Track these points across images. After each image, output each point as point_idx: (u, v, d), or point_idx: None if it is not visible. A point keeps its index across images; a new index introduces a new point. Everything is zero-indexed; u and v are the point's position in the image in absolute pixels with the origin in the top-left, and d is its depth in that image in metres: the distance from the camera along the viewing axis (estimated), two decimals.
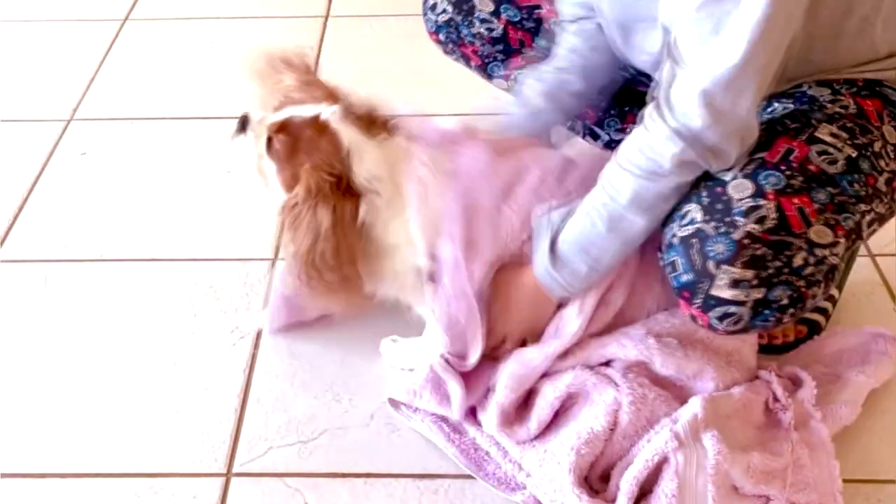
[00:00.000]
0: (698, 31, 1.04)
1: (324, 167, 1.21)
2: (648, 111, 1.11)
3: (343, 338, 1.46)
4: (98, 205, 1.76)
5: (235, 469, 1.28)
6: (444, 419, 1.29)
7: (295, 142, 1.24)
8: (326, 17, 2.34)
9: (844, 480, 1.20)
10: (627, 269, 1.25)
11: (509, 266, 1.26)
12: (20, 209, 1.75)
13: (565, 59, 1.38)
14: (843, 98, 1.16)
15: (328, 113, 1.24)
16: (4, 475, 1.28)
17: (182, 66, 2.17)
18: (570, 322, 1.25)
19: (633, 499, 1.14)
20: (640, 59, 1.26)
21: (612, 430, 1.19)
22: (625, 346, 1.24)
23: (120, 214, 1.73)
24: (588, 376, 1.23)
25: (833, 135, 1.12)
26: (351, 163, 1.22)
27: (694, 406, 1.18)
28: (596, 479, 1.20)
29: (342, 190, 1.21)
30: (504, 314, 1.27)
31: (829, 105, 1.15)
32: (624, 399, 1.19)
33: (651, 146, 1.10)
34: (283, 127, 1.25)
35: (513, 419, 1.25)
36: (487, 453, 1.25)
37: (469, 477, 1.25)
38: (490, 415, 1.25)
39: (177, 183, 1.81)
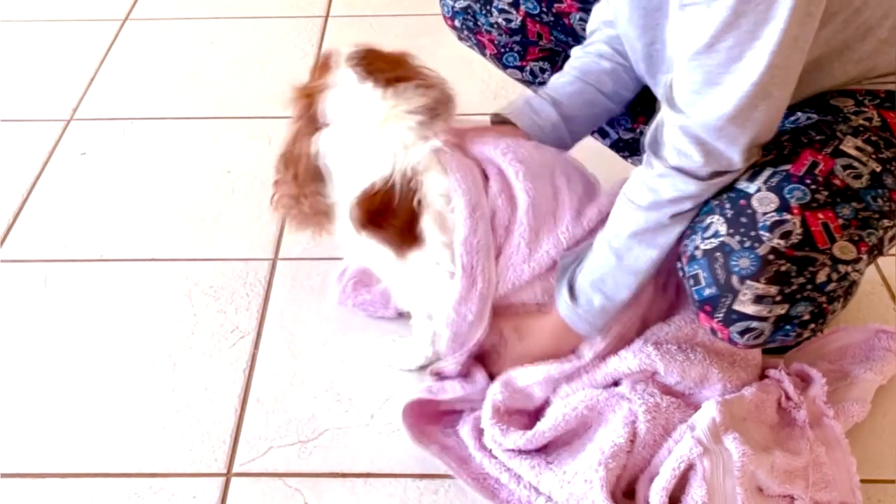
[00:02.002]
0: (691, 78, 1.04)
1: (307, 89, 1.26)
2: (646, 153, 1.12)
3: (343, 338, 1.46)
4: (98, 205, 1.76)
5: (235, 469, 1.28)
6: (448, 448, 1.26)
7: (318, 68, 1.29)
8: (326, 17, 2.34)
9: None
10: (641, 305, 1.27)
11: (532, 312, 1.28)
12: (20, 209, 1.75)
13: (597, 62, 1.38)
14: (866, 110, 1.15)
15: (341, 50, 1.27)
16: (4, 475, 1.28)
17: (182, 66, 2.17)
18: (582, 354, 1.27)
19: None
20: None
21: (632, 441, 1.18)
22: (625, 359, 1.23)
23: (120, 214, 1.73)
24: (599, 395, 1.23)
25: (858, 148, 1.12)
26: (324, 93, 1.24)
27: (710, 410, 1.17)
28: (620, 494, 1.18)
29: (312, 113, 1.25)
30: (527, 354, 1.29)
31: (853, 117, 1.15)
32: (638, 410, 1.19)
33: (651, 182, 1.11)
34: (326, 55, 1.30)
35: (507, 421, 1.24)
36: (498, 480, 1.22)
37: None
38: (484, 409, 1.25)
39: (177, 183, 1.81)
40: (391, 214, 1.22)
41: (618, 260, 1.17)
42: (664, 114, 1.10)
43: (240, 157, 1.86)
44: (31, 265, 1.63)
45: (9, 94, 2.08)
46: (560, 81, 1.38)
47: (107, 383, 1.41)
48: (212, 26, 2.32)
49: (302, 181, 1.26)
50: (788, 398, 1.25)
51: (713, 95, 1.03)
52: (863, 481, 1.21)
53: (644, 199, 1.13)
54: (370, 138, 1.21)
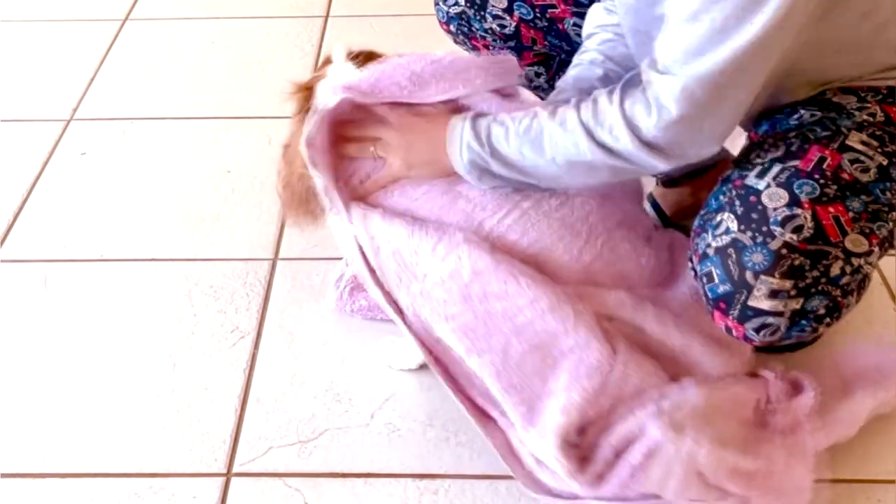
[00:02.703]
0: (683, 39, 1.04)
1: (304, 83, 1.28)
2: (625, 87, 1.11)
3: (343, 338, 1.46)
4: (98, 205, 1.76)
5: (235, 469, 1.28)
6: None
7: (320, 67, 1.32)
8: (326, 17, 2.34)
9: (844, 481, 1.20)
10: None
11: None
12: (20, 209, 1.75)
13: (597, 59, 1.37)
14: (869, 105, 1.16)
15: (341, 48, 1.29)
16: (4, 475, 1.28)
17: (182, 66, 2.17)
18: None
19: (609, 466, 1.14)
20: None
21: (599, 391, 1.17)
22: (624, 305, 1.22)
23: (120, 214, 1.73)
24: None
25: (864, 143, 1.12)
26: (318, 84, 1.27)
27: (684, 388, 1.17)
28: (574, 432, 1.17)
29: (309, 106, 1.26)
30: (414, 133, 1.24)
31: (856, 112, 1.15)
32: (617, 359, 1.18)
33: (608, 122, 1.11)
34: (327, 54, 1.32)
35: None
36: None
37: (469, 477, 1.25)
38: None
39: (177, 183, 1.81)
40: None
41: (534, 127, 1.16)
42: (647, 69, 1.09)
43: (240, 157, 1.86)
44: (31, 265, 1.63)
45: (9, 94, 2.08)
46: (559, 98, 1.36)
47: (107, 383, 1.41)
48: (212, 26, 2.32)
49: (299, 166, 1.27)
50: (769, 401, 1.25)
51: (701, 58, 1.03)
52: (863, 481, 1.22)
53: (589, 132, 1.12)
54: None
